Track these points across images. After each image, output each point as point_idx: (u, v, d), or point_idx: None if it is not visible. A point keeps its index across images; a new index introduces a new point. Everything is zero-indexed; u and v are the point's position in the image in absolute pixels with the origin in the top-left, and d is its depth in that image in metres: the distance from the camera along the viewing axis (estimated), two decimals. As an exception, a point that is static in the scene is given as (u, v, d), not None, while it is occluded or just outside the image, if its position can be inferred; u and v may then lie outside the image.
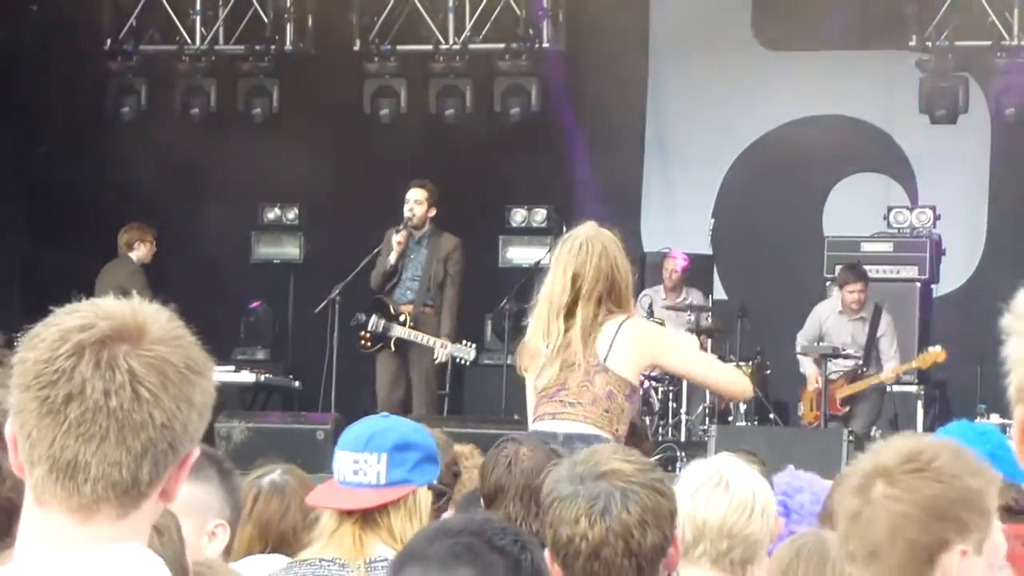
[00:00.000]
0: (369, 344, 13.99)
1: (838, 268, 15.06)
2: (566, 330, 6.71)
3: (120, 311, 2.12)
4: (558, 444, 6.27)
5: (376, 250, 13.99)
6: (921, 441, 3.10)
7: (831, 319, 14.66)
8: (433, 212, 14.04)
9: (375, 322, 13.90)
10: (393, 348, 14.10)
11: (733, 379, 7.57)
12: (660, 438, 13.48)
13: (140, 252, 14.48)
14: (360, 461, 4.22)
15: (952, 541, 3.01)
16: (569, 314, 6.70)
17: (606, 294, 6.70)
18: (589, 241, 6.76)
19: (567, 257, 6.73)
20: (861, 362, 14.49)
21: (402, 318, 14.04)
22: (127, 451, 2.06)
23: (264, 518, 5.18)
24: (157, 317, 2.13)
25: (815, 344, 14.65)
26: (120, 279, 13.85)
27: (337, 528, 4.28)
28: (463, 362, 14.64)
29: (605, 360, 6.76)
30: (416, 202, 13.93)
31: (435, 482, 4.47)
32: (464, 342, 14.45)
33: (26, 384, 2.08)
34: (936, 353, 14.27)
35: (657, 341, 7.11)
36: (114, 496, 2.07)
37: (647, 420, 13.34)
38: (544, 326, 6.75)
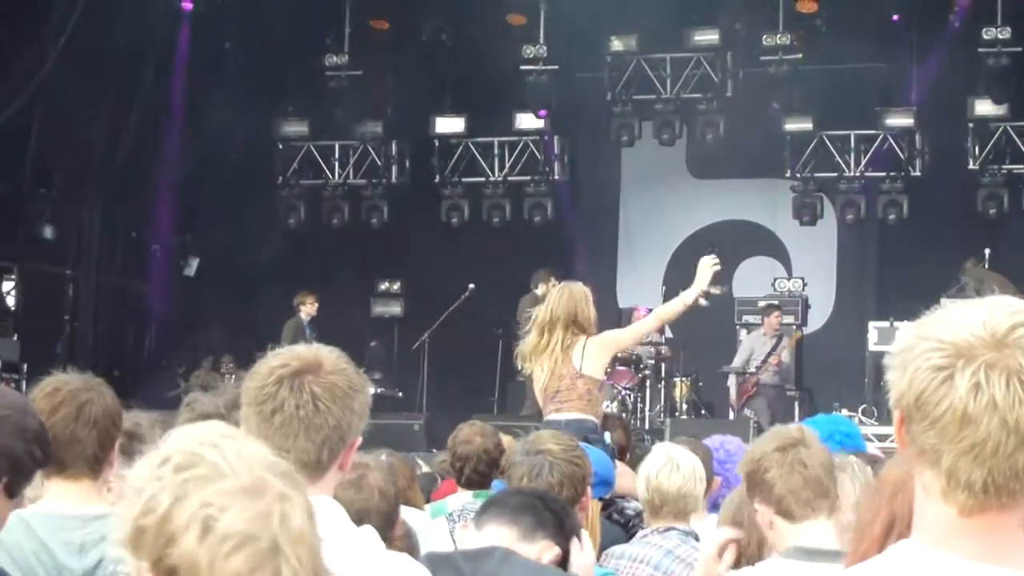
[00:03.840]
0: None
1: (745, 317, 16.29)
2: (548, 343, 7.30)
3: (305, 353, 2.51)
4: (562, 427, 6.58)
5: (456, 304, 14.99)
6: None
7: (758, 341, 15.64)
8: None
9: None
10: None
11: (659, 316, 7.86)
12: (634, 428, 11.88)
13: (305, 309, 15.42)
14: None
15: None
16: (550, 333, 7.32)
17: (571, 322, 7.29)
18: (563, 289, 7.46)
19: (551, 299, 7.48)
20: (757, 373, 15.24)
21: None
22: (312, 443, 2.44)
23: None
24: (329, 356, 2.52)
25: (739, 365, 15.63)
26: (292, 329, 14.89)
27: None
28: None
29: (581, 369, 7.29)
30: None
31: None
32: None
33: (248, 402, 2.48)
34: (794, 336, 15.67)
35: (610, 339, 7.53)
36: (306, 471, 2.38)
37: (624, 415, 13.45)
38: (535, 340, 7.34)
